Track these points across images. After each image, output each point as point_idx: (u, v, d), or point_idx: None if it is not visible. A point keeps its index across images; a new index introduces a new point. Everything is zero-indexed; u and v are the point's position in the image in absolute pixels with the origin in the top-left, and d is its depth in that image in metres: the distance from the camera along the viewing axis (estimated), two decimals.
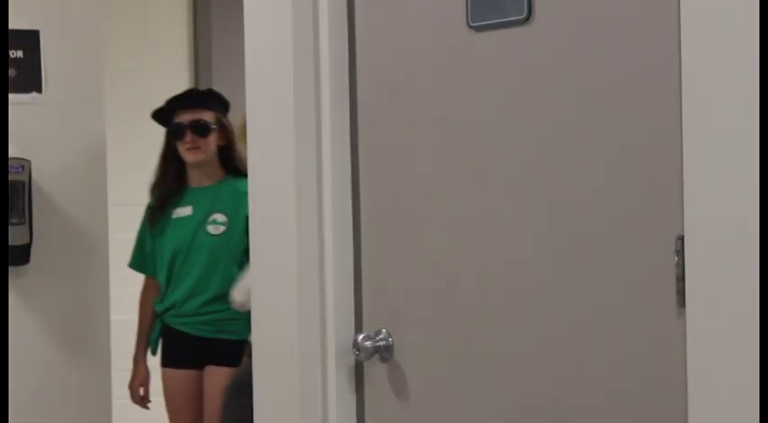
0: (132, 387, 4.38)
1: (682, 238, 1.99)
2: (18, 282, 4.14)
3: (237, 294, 3.91)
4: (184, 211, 4.26)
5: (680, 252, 2.00)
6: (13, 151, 4.11)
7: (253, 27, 2.73)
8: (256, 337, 2.77)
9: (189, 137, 4.22)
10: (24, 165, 4.20)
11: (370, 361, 2.58)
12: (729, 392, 1.90)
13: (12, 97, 4.12)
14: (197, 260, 4.20)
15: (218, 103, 4.33)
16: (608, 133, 2.14)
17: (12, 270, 4.10)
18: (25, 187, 4.20)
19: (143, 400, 4.39)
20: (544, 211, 2.24)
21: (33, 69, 4.27)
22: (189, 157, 4.24)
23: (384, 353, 2.55)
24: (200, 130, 4.21)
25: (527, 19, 2.26)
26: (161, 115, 4.32)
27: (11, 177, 4.12)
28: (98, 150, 4.30)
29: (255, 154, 2.73)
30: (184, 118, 4.24)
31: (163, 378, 4.35)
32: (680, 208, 1.99)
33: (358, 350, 2.55)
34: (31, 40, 4.26)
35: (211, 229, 4.21)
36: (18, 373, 4.09)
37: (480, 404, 2.39)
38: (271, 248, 2.70)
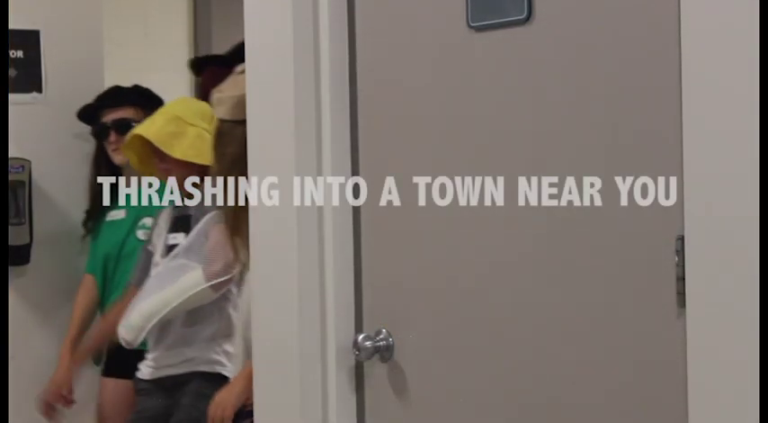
0: (51, 387, 4.01)
1: (682, 238, 1.99)
2: (18, 282, 4.14)
3: (124, 331, 3.59)
4: (118, 214, 4.11)
5: (680, 252, 2.00)
6: (13, 151, 4.11)
7: (253, 27, 2.73)
8: (256, 337, 2.77)
9: (113, 137, 4.06)
10: (24, 165, 4.19)
11: (370, 361, 2.58)
12: (730, 392, 1.90)
13: (12, 97, 4.12)
14: (128, 266, 3.97)
15: (146, 100, 4.13)
16: (608, 133, 2.14)
17: (12, 270, 4.09)
18: (25, 187, 4.20)
19: (64, 399, 4.03)
20: (544, 211, 2.24)
21: (33, 69, 4.27)
22: (115, 158, 4.07)
23: (384, 353, 2.55)
24: (124, 129, 3.94)
25: (527, 19, 2.26)
26: (87, 114, 4.18)
27: (11, 177, 4.12)
28: None
29: (255, 154, 2.73)
30: (108, 117, 4.10)
31: (101, 388, 4.11)
32: (680, 208, 1.99)
33: (358, 350, 2.55)
34: (31, 40, 4.25)
35: (141, 234, 4.02)
36: (18, 372, 4.09)
37: (480, 404, 2.39)
38: (271, 248, 2.70)
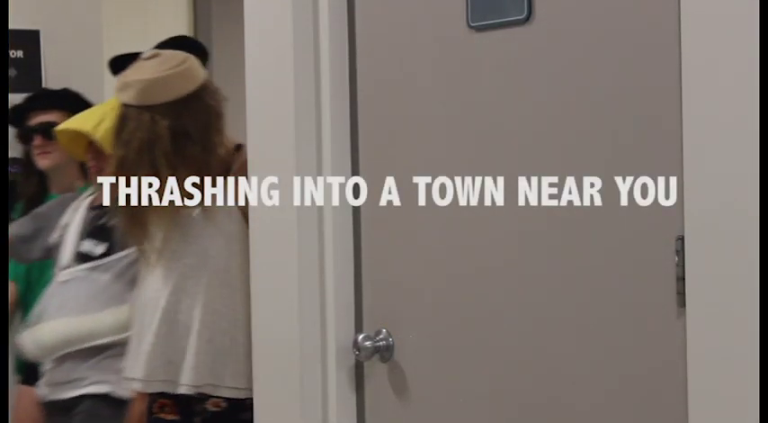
0: None
1: (682, 238, 1.99)
2: None
3: (33, 346, 3.31)
4: None
5: (680, 252, 2.00)
6: (13, 151, 4.11)
7: (253, 27, 2.73)
8: (256, 337, 2.77)
9: (38, 140, 3.93)
10: None
11: (370, 361, 2.58)
12: (730, 392, 1.90)
13: (12, 97, 4.12)
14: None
15: (76, 104, 3.84)
16: (608, 133, 2.14)
17: None
18: None
19: None
20: (544, 211, 2.24)
21: (33, 69, 4.27)
22: (40, 162, 3.95)
23: (384, 353, 2.55)
24: (49, 132, 3.72)
25: (527, 19, 2.26)
26: (15, 117, 4.04)
27: (11, 177, 4.12)
28: None
29: (255, 154, 2.73)
30: (34, 120, 3.98)
31: (17, 397, 3.87)
32: (680, 208, 1.99)
33: (358, 350, 2.55)
34: (31, 40, 4.26)
35: None
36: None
37: (480, 404, 2.39)
38: (271, 248, 2.70)
